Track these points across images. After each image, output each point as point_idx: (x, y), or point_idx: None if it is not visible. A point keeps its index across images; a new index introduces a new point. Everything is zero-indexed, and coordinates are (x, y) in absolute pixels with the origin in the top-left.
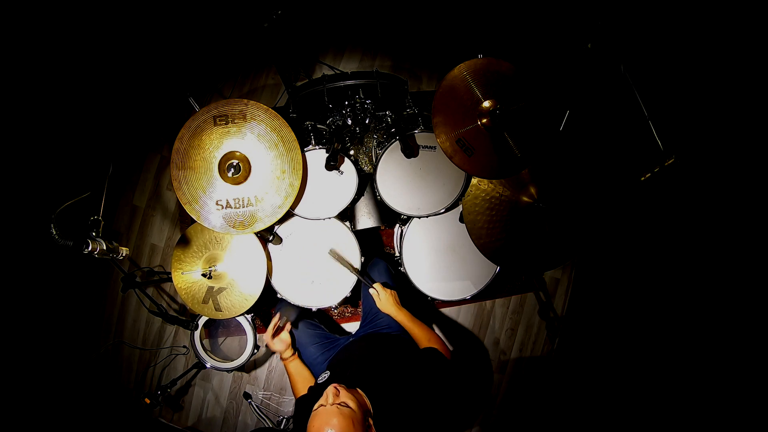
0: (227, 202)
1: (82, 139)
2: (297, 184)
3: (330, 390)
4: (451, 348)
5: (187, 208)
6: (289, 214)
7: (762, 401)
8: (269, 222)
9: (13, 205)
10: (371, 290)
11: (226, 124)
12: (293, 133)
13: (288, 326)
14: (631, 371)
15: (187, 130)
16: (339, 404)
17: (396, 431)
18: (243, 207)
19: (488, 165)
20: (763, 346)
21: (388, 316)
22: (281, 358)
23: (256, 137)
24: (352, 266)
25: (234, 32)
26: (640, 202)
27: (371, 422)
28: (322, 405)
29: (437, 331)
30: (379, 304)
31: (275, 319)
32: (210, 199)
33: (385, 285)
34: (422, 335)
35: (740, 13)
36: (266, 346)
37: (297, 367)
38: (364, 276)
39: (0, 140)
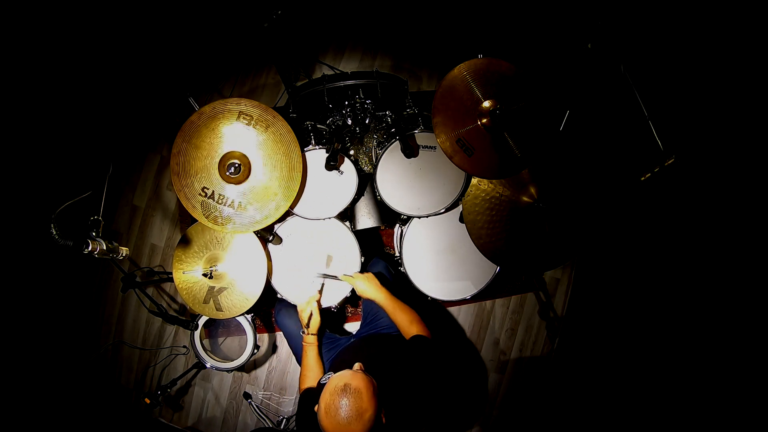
0: (212, 193)
1: (82, 139)
2: (281, 210)
3: (358, 364)
4: (428, 331)
5: (175, 182)
6: (289, 214)
7: (762, 401)
8: (241, 230)
9: (13, 205)
10: (347, 280)
11: (248, 123)
12: (302, 164)
13: (317, 314)
14: (631, 371)
15: (210, 110)
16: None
17: (401, 428)
18: (224, 206)
19: (488, 165)
20: (763, 346)
21: (388, 316)
22: (305, 333)
23: (266, 152)
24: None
25: (234, 32)
26: (640, 202)
27: (383, 411)
28: (347, 370)
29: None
30: (358, 291)
31: (317, 296)
32: (199, 183)
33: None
34: (404, 319)
35: (740, 13)
36: (299, 310)
37: (314, 354)
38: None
39: (0, 140)
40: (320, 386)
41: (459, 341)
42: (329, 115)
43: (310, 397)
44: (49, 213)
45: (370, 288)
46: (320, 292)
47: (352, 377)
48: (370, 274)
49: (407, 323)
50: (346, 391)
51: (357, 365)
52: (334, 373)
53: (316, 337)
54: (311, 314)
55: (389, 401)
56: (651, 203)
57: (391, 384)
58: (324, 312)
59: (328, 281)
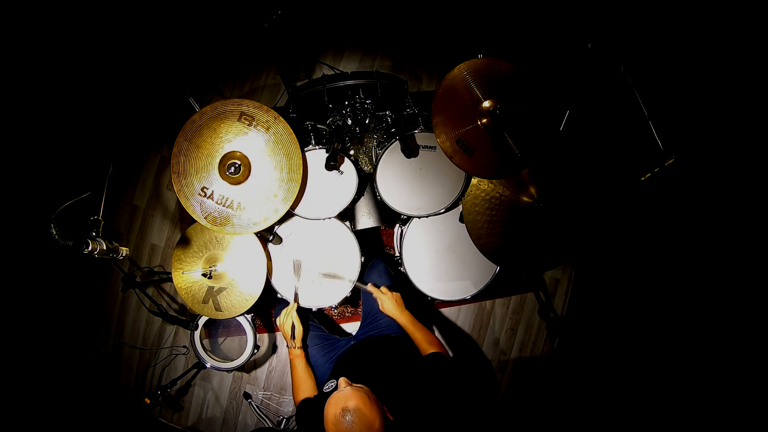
0: (212, 193)
1: (82, 139)
2: (281, 212)
3: (342, 380)
4: (450, 352)
5: (174, 179)
6: (289, 214)
7: (762, 401)
8: (241, 231)
9: (13, 205)
10: (377, 294)
11: (249, 125)
12: (302, 166)
13: (299, 324)
14: (631, 371)
15: (212, 110)
16: (353, 385)
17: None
18: (224, 206)
19: (488, 165)
20: (763, 346)
21: (388, 316)
22: (290, 347)
23: (267, 151)
24: (358, 282)
25: (234, 32)
26: (640, 202)
27: (386, 409)
28: (336, 392)
29: (437, 333)
30: (382, 307)
31: (295, 305)
32: (198, 183)
33: (389, 288)
34: (423, 339)
35: (740, 13)
36: (279, 325)
37: (303, 366)
38: (367, 283)
39: (0, 140)
40: (323, 394)
41: (459, 341)
42: (329, 115)
43: (308, 407)
44: (49, 213)
45: (394, 308)
46: (296, 300)
47: (345, 398)
48: (398, 296)
49: (426, 344)
50: (346, 415)
51: (342, 382)
52: (337, 377)
53: (302, 348)
54: (293, 326)
55: (391, 401)
56: (651, 203)
57: (390, 386)
58: (324, 312)
59: (327, 282)
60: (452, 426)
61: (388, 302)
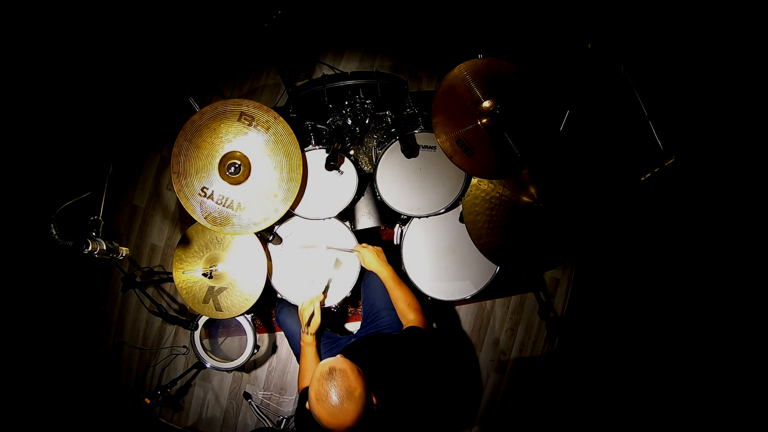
0: (212, 193)
1: (82, 139)
2: (281, 212)
3: (340, 355)
4: (425, 320)
5: (174, 179)
6: (289, 214)
7: (762, 401)
8: (241, 231)
9: (13, 205)
10: (356, 250)
11: (249, 125)
12: (302, 166)
13: (318, 316)
14: (631, 371)
15: (212, 110)
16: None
17: (397, 425)
18: (224, 206)
19: (488, 165)
20: (763, 346)
21: (388, 315)
22: (304, 333)
23: (267, 151)
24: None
25: (234, 32)
26: (640, 202)
27: (372, 394)
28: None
29: (435, 329)
30: (363, 262)
31: (321, 296)
32: (198, 183)
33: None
34: (403, 298)
35: (740, 13)
36: (300, 309)
37: (312, 354)
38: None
39: (0, 140)
40: None
41: (459, 341)
42: (329, 115)
43: (306, 396)
44: (49, 213)
45: (375, 261)
46: (324, 293)
47: (335, 361)
48: (378, 248)
49: (405, 305)
50: (332, 374)
51: (338, 355)
52: None
53: (314, 337)
54: (312, 314)
55: (381, 390)
56: (651, 203)
57: (387, 383)
58: (324, 312)
59: (334, 278)
60: (434, 406)
61: (368, 255)
